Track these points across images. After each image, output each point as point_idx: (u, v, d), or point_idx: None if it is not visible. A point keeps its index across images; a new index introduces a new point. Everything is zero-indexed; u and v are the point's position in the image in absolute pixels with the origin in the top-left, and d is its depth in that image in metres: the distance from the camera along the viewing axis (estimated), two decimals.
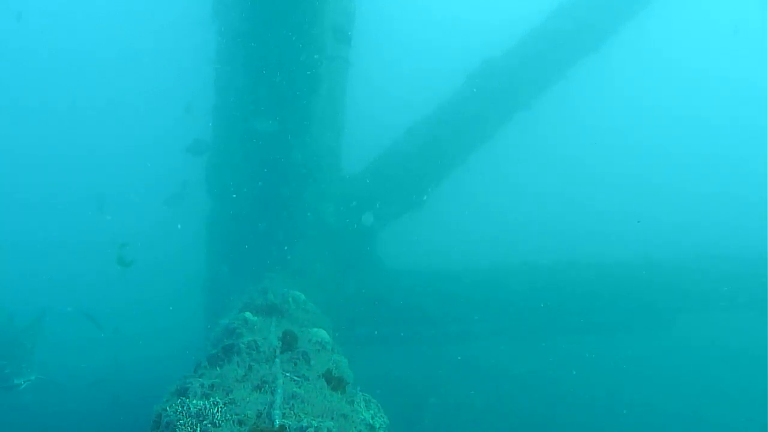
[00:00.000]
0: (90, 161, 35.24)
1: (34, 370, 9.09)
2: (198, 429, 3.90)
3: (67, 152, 35.96)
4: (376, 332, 11.17)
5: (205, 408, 4.10)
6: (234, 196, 10.78)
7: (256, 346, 5.58)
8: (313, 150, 10.36)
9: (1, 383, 8.74)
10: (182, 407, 4.14)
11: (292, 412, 4.15)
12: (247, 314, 6.87)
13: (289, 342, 5.67)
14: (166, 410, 4.18)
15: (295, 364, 5.30)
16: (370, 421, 5.01)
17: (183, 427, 3.91)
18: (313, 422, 3.96)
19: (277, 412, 4.04)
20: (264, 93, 9.61)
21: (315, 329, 6.81)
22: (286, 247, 10.57)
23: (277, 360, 5.29)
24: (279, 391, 4.42)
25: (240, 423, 3.95)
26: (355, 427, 4.28)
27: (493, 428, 11.40)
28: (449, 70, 13.93)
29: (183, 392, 4.64)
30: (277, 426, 3.86)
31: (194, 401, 4.24)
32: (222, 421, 3.96)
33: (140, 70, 37.63)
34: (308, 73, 9.45)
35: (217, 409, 4.10)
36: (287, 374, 4.95)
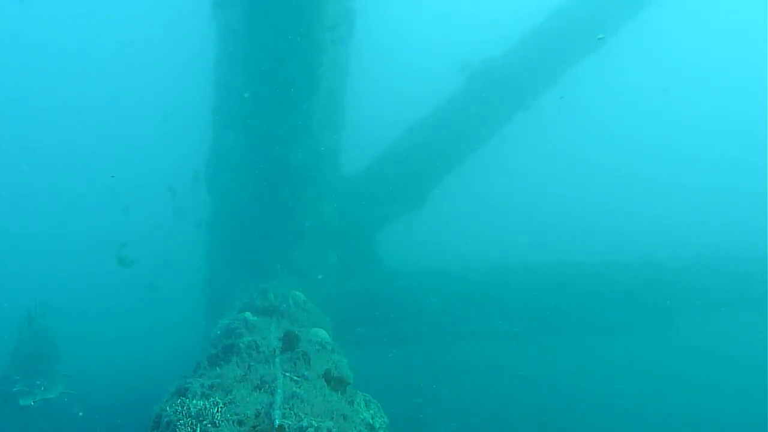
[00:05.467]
0: (89, 162, 35.29)
1: (56, 386, 8.18)
2: (198, 429, 3.89)
3: (66, 153, 36.02)
4: (376, 332, 11.17)
5: (205, 408, 4.10)
6: (234, 196, 10.79)
7: (256, 347, 5.58)
8: (313, 150, 10.35)
9: (8, 402, 7.73)
10: (182, 407, 4.14)
11: (292, 412, 4.14)
12: (247, 314, 6.87)
13: (290, 342, 5.67)
14: (166, 410, 4.18)
15: (295, 364, 5.29)
16: (370, 421, 5.01)
17: (183, 427, 3.91)
18: (313, 422, 3.96)
19: (277, 412, 4.03)
20: (264, 93, 9.60)
21: (315, 329, 6.82)
22: (286, 248, 10.56)
23: (277, 360, 5.28)
24: (279, 391, 4.42)
25: (240, 423, 3.95)
26: (355, 427, 4.28)
27: (493, 428, 11.39)
28: (449, 69, 13.91)
29: (183, 392, 4.64)
30: (277, 426, 3.86)
31: (194, 401, 4.24)
32: (222, 421, 3.96)
33: (138, 70, 37.66)
34: (308, 72, 9.44)
35: (217, 409, 4.09)
36: (287, 374, 4.95)
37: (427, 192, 12.39)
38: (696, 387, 13.29)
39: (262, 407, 4.15)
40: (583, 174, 36.15)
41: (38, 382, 7.93)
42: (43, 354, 8.88)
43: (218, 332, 6.85)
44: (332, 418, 4.20)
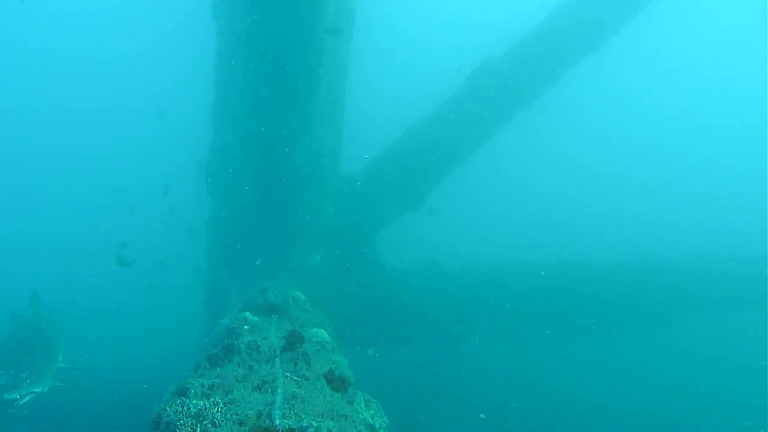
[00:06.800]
0: (92, 162, 35.35)
1: (45, 381, 8.09)
2: (198, 429, 3.89)
3: (69, 152, 36.06)
4: (376, 332, 11.16)
5: (205, 408, 4.09)
6: (233, 196, 10.80)
7: (257, 346, 5.58)
8: (313, 150, 10.36)
9: None
10: (182, 407, 4.13)
11: (292, 412, 4.14)
12: (247, 314, 6.87)
13: (293, 342, 5.67)
14: (166, 410, 4.17)
15: (295, 364, 5.30)
16: (370, 421, 5.01)
17: (183, 427, 3.90)
18: (313, 422, 3.96)
19: (278, 412, 4.03)
20: (264, 93, 9.60)
21: (315, 329, 6.81)
22: (286, 247, 10.57)
23: (277, 360, 5.29)
24: (279, 391, 4.42)
25: (240, 423, 3.95)
26: (355, 427, 4.27)
27: (494, 428, 11.39)
28: (450, 69, 13.93)
29: (183, 392, 4.64)
30: (278, 426, 3.86)
31: (194, 401, 4.23)
32: (222, 421, 3.96)
33: (139, 70, 37.68)
34: (308, 73, 9.45)
35: (217, 409, 4.09)
36: (287, 374, 4.95)
37: (426, 192, 12.39)
38: (695, 389, 13.28)
39: (263, 407, 4.15)
40: (583, 174, 36.18)
41: (23, 376, 7.82)
42: (30, 348, 8.75)
43: (218, 332, 6.85)
44: (332, 418, 4.20)
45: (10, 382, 7.64)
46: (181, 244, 15.41)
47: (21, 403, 7.67)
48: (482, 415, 10.95)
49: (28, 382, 7.77)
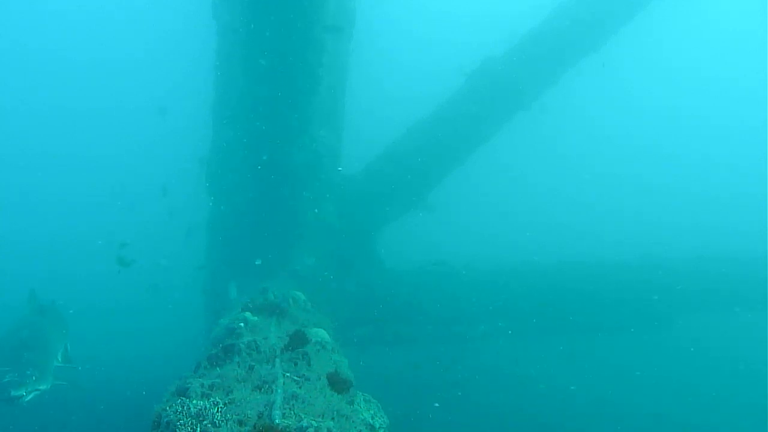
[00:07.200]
0: (89, 162, 35.37)
1: (47, 378, 8.07)
2: (198, 429, 3.89)
3: (71, 152, 36.10)
4: (376, 332, 11.16)
5: (205, 408, 4.10)
6: (233, 195, 10.80)
7: (257, 346, 5.58)
8: (313, 150, 10.35)
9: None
10: (182, 407, 4.13)
11: (292, 412, 4.14)
12: (247, 314, 6.87)
13: (296, 342, 5.67)
14: (166, 410, 4.17)
15: (296, 364, 5.30)
16: (370, 421, 5.01)
17: (183, 427, 3.90)
18: (313, 422, 3.96)
19: (278, 412, 4.03)
20: (264, 93, 9.60)
21: (315, 329, 6.81)
22: (286, 248, 10.57)
23: (277, 360, 5.29)
24: (279, 391, 4.42)
25: (240, 423, 3.95)
26: (355, 427, 4.28)
27: (493, 429, 11.39)
28: (450, 69, 13.92)
29: (183, 392, 4.64)
30: (278, 426, 3.86)
31: (194, 401, 4.24)
32: (222, 421, 3.96)
33: (139, 70, 37.70)
34: (308, 72, 9.45)
35: (217, 409, 4.09)
36: (287, 374, 4.95)
37: (426, 192, 12.39)
38: (694, 389, 13.28)
39: (263, 407, 4.15)
40: (583, 174, 36.17)
41: (29, 373, 7.80)
42: (31, 345, 8.71)
43: (218, 332, 6.85)
44: (333, 418, 4.20)
45: (16, 378, 7.62)
46: (181, 244, 15.42)
47: (26, 400, 7.65)
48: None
49: (34, 378, 7.76)
